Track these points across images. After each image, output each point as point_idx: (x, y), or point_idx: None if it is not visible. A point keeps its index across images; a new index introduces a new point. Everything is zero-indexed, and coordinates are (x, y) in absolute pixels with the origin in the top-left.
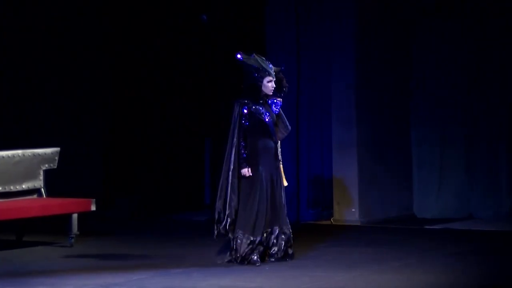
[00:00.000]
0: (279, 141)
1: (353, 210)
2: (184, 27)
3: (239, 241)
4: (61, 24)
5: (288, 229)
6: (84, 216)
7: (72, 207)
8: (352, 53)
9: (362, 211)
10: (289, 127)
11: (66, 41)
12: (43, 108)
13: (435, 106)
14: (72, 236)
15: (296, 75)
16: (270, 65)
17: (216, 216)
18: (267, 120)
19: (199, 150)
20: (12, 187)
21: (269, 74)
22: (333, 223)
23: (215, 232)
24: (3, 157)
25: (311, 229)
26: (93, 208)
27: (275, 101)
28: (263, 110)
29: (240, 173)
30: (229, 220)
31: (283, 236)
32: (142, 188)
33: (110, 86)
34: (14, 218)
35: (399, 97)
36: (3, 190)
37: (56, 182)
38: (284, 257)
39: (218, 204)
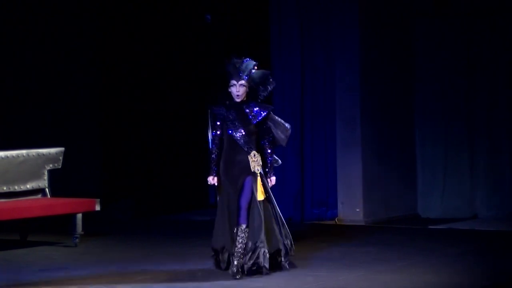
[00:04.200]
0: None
1: (357, 210)
2: (186, 26)
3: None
4: (62, 24)
5: (263, 246)
6: (89, 216)
7: (77, 207)
8: (356, 54)
9: (366, 211)
10: (288, 128)
11: (67, 40)
12: (46, 108)
13: (439, 106)
14: (76, 236)
15: (300, 76)
16: (243, 67)
17: None
18: (230, 131)
19: (200, 149)
20: (16, 187)
21: (232, 78)
22: (337, 223)
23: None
24: (7, 157)
25: (315, 229)
26: (98, 208)
27: (255, 109)
28: (232, 119)
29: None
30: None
31: (259, 252)
32: (145, 188)
33: (111, 86)
34: (18, 218)
35: (403, 97)
36: (8, 190)
37: (61, 182)
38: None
39: None
